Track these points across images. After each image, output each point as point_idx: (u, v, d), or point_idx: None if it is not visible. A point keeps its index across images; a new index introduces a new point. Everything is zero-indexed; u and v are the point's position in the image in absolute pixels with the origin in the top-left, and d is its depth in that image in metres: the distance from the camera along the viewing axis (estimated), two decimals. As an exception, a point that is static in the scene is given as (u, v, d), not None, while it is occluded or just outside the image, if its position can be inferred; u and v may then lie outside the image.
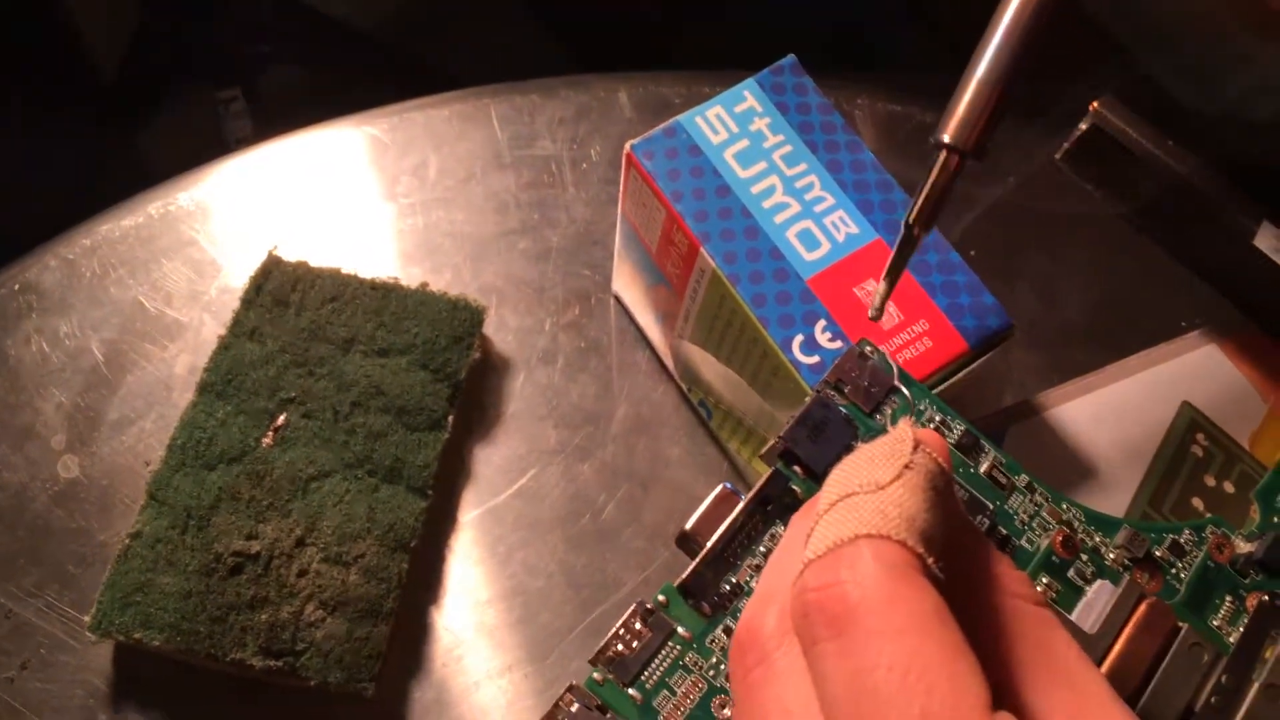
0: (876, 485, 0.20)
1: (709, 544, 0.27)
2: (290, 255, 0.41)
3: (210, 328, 0.42)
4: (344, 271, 0.41)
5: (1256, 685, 0.28)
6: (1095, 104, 0.35)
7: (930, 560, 0.19)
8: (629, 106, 0.47)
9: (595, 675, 0.26)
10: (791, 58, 0.36)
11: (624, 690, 0.26)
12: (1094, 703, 0.20)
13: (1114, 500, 0.34)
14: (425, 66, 0.97)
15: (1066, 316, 0.44)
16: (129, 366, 0.42)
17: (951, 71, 0.28)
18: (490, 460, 0.41)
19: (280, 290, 0.41)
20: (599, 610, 0.39)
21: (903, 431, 0.22)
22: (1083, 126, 0.34)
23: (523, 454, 0.41)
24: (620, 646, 0.26)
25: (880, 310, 0.28)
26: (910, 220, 0.27)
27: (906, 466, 0.21)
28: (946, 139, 0.27)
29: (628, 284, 0.41)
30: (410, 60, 1.00)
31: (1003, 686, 0.20)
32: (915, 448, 0.21)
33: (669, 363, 0.42)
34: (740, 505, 0.27)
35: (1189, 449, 0.35)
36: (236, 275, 0.43)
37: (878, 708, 0.17)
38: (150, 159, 0.97)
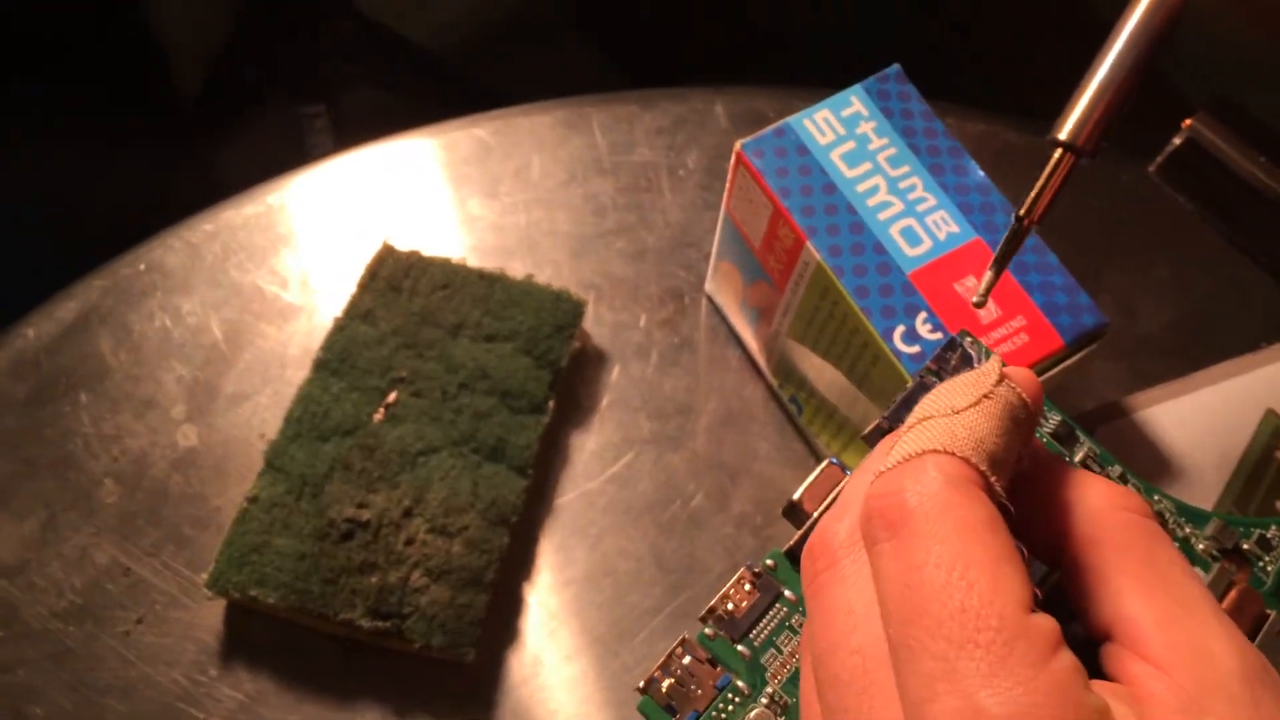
0: (953, 409, 0.22)
1: (815, 513, 0.28)
2: (402, 246, 0.44)
3: (322, 312, 0.44)
4: (453, 260, 0.43)
5: (1340, 673, 0.28)
6: (1190, 120, 0.37)
7: (993, 478, 0.20)
8: (724, 117, 0.49)
9: (707, 631, 0.27)
10: (896, 67, 0.38)
11: (733, 646, 0.27)
12: (1191, 609, 0.21)
13: (1201, 499, 0.35)
14: (494, 88, 1.01)
15: (1147, 329, 0.45)
16: (245, 344, 0.44)
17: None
18: (585, 446, 0.42)
19: (394, 276, 0.43)
20: (687, 594, 0.40)
21: (990, 365, 0.23)
22: (1177, 141, 0.36)
23: (616, 442, 0.42)
24: (730, 606, 0.28)
25: (985, 296, 0.30)
26: (1022, 213, 0.29)
27: (985, 396, 0.22)
28: (1063, 137, 0.28)
29: (723, 284, 0.43)
30: (481, 83, 1.03)
31: (1101, 604, 0.21)
32: (1000, 381, 0.23)
33: (760, 361, 0.43)
34: (845, 480, 0.28)
35: (1273, 455, 0.36)
36: (349, 264, 0.45)
37: (923, 600, 0.18)
38: (233, 170, 1.00)
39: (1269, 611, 0.29)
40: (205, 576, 0.37)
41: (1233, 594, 0.28)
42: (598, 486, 0.42)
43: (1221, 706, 0.19)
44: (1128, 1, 0.29)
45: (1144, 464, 0.36)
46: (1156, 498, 0.30)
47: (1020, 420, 0.22)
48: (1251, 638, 0.28)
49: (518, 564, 0.40)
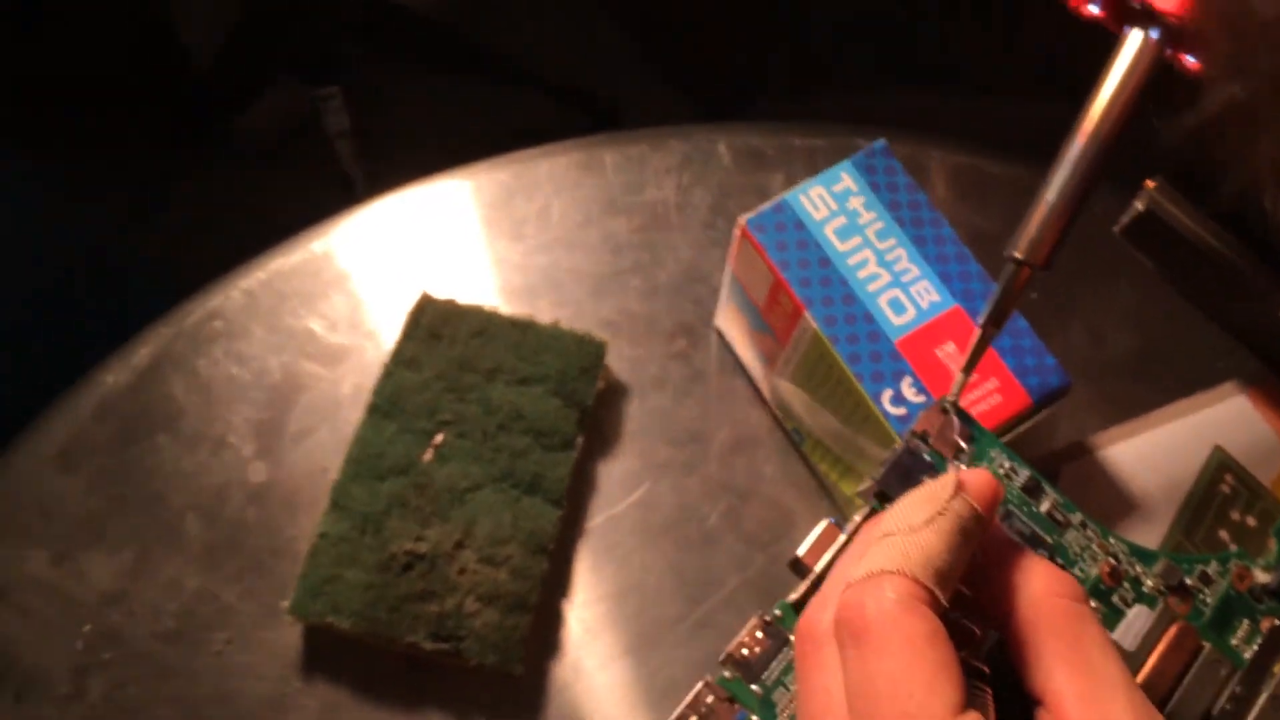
0: (910, 528, 0.27)
1: (816, 569, 0.33)
2: (435, 286, 0.48)
3: (370, 352, 0.49)
4: (486, 308, 0.48)
5: (1265, 695, 0.34)
6: (1151, 182, 0.41)
7: (938, 592, 0.26)
8: (727, 156, 0.53)
9: (725, 673, 0.33)
10: (882, 142, 0.42)
11: (748, 686, 0.32)
12: (1106, 685, 0.26)
13: (1154, 530, 0.40)
14: (499, 58, 1.04)
15: (1114, 353, 0.49)
16: (303, 385, 0.49)
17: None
18: (611, 474, 0.48)
19: (433, 325, 0.47)
20: (705, 605, 0.46)
21: (946, 480, 0.28)
22: (1139, 206, 0.40)
23: (638, 469, 0.48)
24: (745, 651, 0.33)
25: (958, 394, 0.34)
26: (983, 322, 0.33)
27: (940, 513, 0.27)
28: (1018, 255, 0.33)
29: (730, 322, 0.48)
30: (490, 54, 1.06)
31: (1035, 675, 0.27)
32: (954, 494, 0.28)
33: (765, 392, 0.48)
34: (841, 538, 0.34)
35: (1218, 487, 0.41)
36: (391, 304, 0.50)
37: (875, 704, 0.24)
38: (248, 142, 1.04)
39: (1204, 644, 0.34)
40: (286, 604, 0.43)
41: (1172, 630, 0.34)
42: (623, 510, 0.47)
43: None
44: (1075, 124, 0.33)
45: (1106, 498, 0.41)
46: (1111, 540, 0.35)
47: (970, 531, 0.27)
48: (1188, 668, 0.34)
49: (556, 584, 0.46)
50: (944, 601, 0.26)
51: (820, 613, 0.28)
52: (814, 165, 0.53)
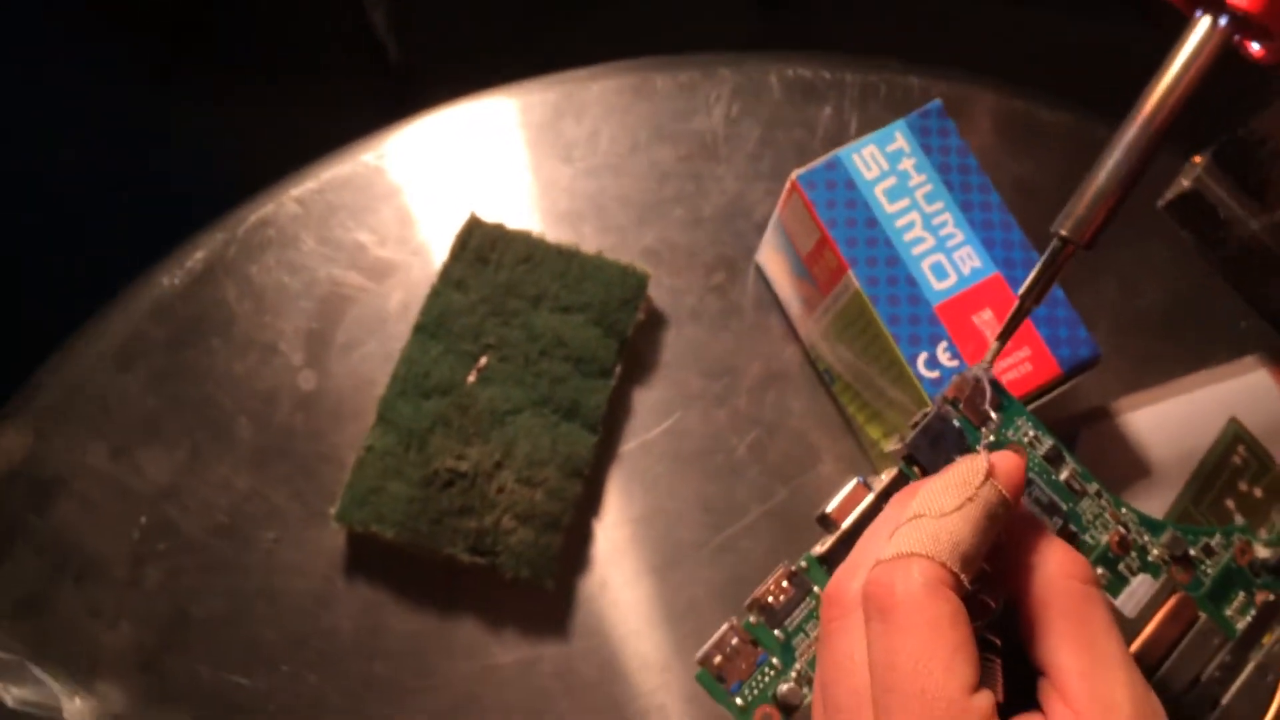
0: (941, 512, 0.29)
1: (843, 526, 0.35)
2: (482, 205, 0.49)
3: (418, 269, 0.51)
4: (534, 234, 0.49)
5: (1252, 664, 0.36)
6: (1199, 157, 0.41)
7: (962, 576, 0.27)
8: (778, 88, 0.53)
9: (750, 618, 0.35)
10: (938, 102, 0.42)
11: (770, 631, 0.35)
12: (1106, 664, 0.28)
13: (1164, 495, 0.42)
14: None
15: (1143, 310, 0.50)
16: (352, 298, 0.50)
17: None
18: (645, 402, 0.49)
19: (481, 249, 0.48)
20: (727, 532, 0.48)
21: (977, 464, 0.30)
22: (1185, 183, 0.40)
23: (671, 398, 0.49)
24: (770, 599, 0.35)
25: (991, 364, 0.36)
26: (1022, 294, 0.34)
27: (969, 499, 0.29)
28: (1064, 232, 0.34)
29: (771, 261, 0.49)
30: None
31: (1042, 649, 0.29)
32: (985, 479, 0.29)
33: (800, 330, 0.49)
34: (869, 498, 0.35)
35: (1230, 458, 0.42)
36: (436, 222, 0.51)
37: (896, 678, 0.26)
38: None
39: (1200, 615, 0.36)
40: (333, 510, 0.45)
41: (1172, 600, 0.36)
42: (655, 438, 0.49)
43: None
44: (1134, 106, 0.33)
45: (1121, 462, 0.43)
46: (1124, 510, 0.37)
47: (996, 516, 0.29)
48: (1182, 637, 0.36)
49: (588, 505, 0.48)
50: (967, 585, 0.28)
51: (849, 581, 0.30)
52: (864, 101, 0.53)
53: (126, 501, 0.48)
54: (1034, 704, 0.29)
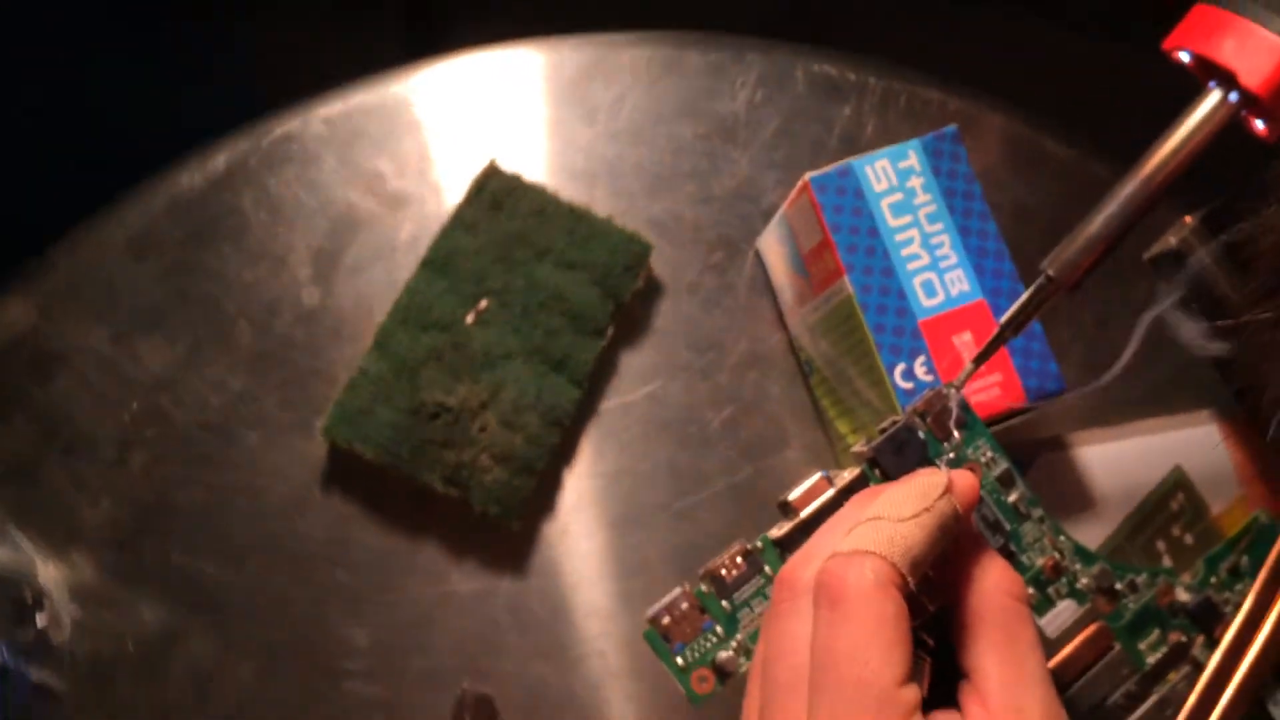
0: (899, 517, 0.31)
1: (802, 515, 0.38)
2: (502, 152, 0.51)
3: (431, 204, 0.52)
4: (548, 189, 0.50)
5: (1155, 697, 0.39)
6: (1189, 218, 0.43)
7: (910, 579, 0.30)
8: (802, 81, 0.55)
9: (702, 587, 0.37)
10: (954, 128, 0.44)
11: (719, 601, 0.37)
12: (1027, 678, 0.31)
13: (1102, 528, 0.45)
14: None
15: (1115, 347, 0.52)
16: (364, 223, 0.52)
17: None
18: (631, 365, 0.51)
19: (496, 196, 0.50)
20: (689, 499, 0.50)
21: (937, 478, 0.33)
22: (1172, 241, 0.42)
23: (657, 365, 0.52)
24: (723, 571, 0.37)
25: (963, 384, 0.38)
26: (1003, 324, 0.36)
27: (926, 509, 0.31)
28: (1051, 272, 0.36)
29: (771, 250, 0.51)
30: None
31: (970, 654, 0.32)
32: (943, 493, 0.32)
33: (788, 319, 0.51)
34: (830, 493, 0.38)
35: (1169, 502, 0.45)
36: (455, 162, 0.52)
37: (836, 663, 0.29)
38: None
39: (1115, 644, 0.39)
40: (320, 422, 0.47)
41: (1091, 628, 0.39)
42: (635, 400, 0.51)
43: None
44: (1136, 163, 0.35)
45: (1067, 494, 0.46)
46: (1061, 538, 0.39)
47: (948, 528, 0.32)
48: (1095, 663, 0.39)
49: (562, 453, 0.50)
50: (912, 587, 0.30)
51: (803, 568, 0.33)
52: (883, 108, 0.55)
53: (122, 386, 0.49)
54: (954, 703, 0.31)
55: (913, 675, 0.30)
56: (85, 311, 0.50)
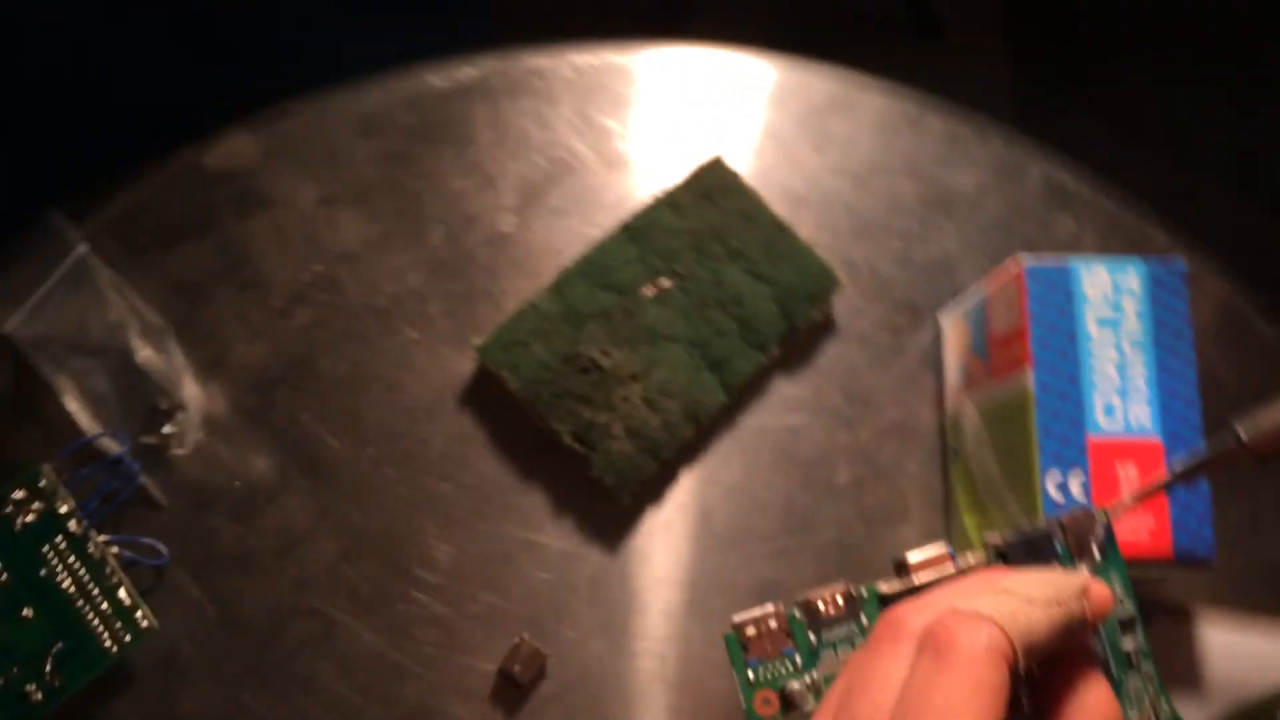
0: (1028, 598, 0.30)
1: (914, 580, 0.37)
2: (728, 151, 0.52)
3: (645, 176, 0.53)
4: (763, 196, 0.51)
5: None
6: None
7: (1020, 660, 0.29)
8: (1034, 179, 0.54)
9: (796, 613, 0.37)
10: (1183, 265, 0.43)
11: (807, 632, 0.37)
12: None
13: (1195, 716, 0.43)
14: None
15: (1267, 548, 0.51)
16: (578, 171, 0.53)
17: None
18: (781, 391, 0.51)
19: (712, 186, 0.51)
20: (791, 540, 0.50)
21: (1078, 580, 0.32)
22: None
23: (806, 401, 0.51)
24: (821, 605, 0.37)
25: (1117, 514, 0.37)
26: (1173, 472, 0.35)
27: (1059, 603, 0.31)
28: (1244, 437, 0.35)
29: (954, 327, 0.50)
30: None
31: None
32: (1080, 594, 0.31)
33: (949, 400, 0.51)
34: (949, 569, 0.37)
35: (1274, 712, 0.43)
36: (680, 147, 0.54)
37: (924, 712, 0.28)
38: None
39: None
40: (477, 340, 0.49)
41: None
42: (776, 427, 0.51)
43: None
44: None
45: (1173, 666, 0.44)
46: (1165, 704, 0.37)
47: (1072, 631, 0.31)
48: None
49: (690, 452, 0.50)
50: (1021, 671, 0.30)
51: (914, 615, 0.32)
52: (1109, 233, 0.54)
53: (311, 246, 0.51)
54: None
55: None
56: (302, 169, 0.52)
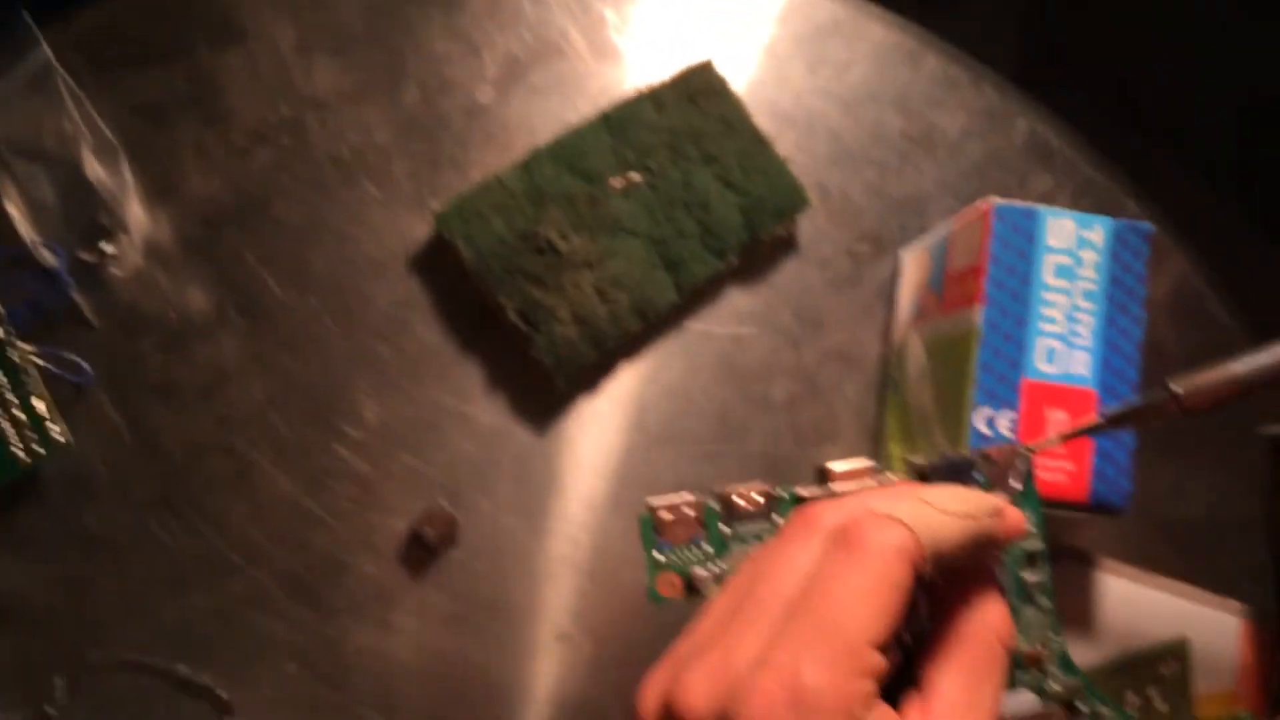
0: (943, 509, 0.31)
1: (834, 488, 0.37)
2: (720, 58, 0.51)
3: (632, 70, 0.52)
4: (746, 107, 0.50)
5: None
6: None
7: (924, 562, 0.29)
8: (1019, 133, 0.54)
9: (712, 504, 0.37)
10: (1149, 228, 0.43)
11: (720, 525, 0.37)
12: (976, 706, 0.31)
13: (1087, 654, 0.44)
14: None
15: (1187, 509, 0.51)
16: (564, 54, 0.52)
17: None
18: (732, 301, 0.51)
19: (697, 89, 0.50)
20: (721, 446, 0.50)
21: (994, 500, 0.32)
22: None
23: (754, 313, 0.51)
24: (738, 498, 0.37)
25: (1037, 451, 0.37)
26: (1102, 416, 0.36)
27: (972, 517, 0.31)
28: (1175, 389, 0.35)
29: (913, 264, 0.50)
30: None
31: (933, 669, 0.31)
32: (994, 513, 0.32)
33: (897, 334, 0.51)
34: (870, 482, 0.37)
35: (1160, 664, 0.44)
36: (671, 47, 0.53)
37: (824, 603, 0.28)
38: None
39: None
40: (436, 205, 0.48)
41: (1041, 728, 0.38)
42: (721, 335, 0.51)
43: None
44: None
45: (1071, 608, 0.45)
46: (1056, 637, 0.38)
47: (980, 547, 0.31)
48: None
49: (631, 346, 0.50)
50: (925, 576, 0.30)
51: (829, 512, 0.32)
52: (1080, 194, 0.54)
53: (283, 87, 0.50)
54: (893, 703, 0.31)
55: (885, 650, 0.29)
56: (285, 7, 0.51)
